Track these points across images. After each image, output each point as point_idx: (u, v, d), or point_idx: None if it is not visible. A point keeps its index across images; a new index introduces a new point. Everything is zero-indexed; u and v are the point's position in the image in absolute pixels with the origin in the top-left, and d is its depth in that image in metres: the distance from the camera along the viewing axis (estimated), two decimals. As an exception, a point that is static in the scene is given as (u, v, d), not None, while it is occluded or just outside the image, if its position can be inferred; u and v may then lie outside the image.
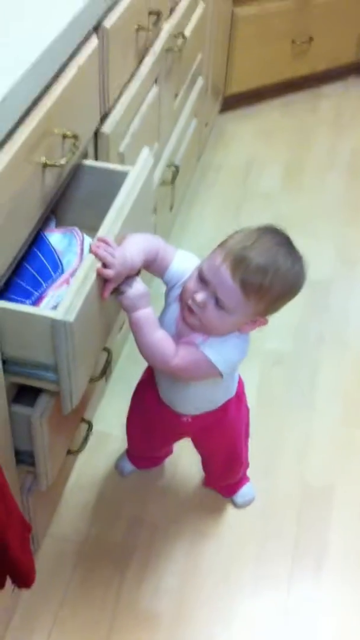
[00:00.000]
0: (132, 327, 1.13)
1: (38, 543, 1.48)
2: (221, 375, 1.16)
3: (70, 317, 0.97)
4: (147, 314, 1.12)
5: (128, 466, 1.66)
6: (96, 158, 1.37)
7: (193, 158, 2.35)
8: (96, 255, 1.04)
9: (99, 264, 1.05)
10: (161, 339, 1.13)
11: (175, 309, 1.19)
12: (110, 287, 1.07)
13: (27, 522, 1.08)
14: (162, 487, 1.66)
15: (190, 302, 1.12)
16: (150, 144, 1.67)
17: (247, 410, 1.45)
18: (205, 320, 1.12)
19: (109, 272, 1.05)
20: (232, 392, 1.33)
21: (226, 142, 2.76)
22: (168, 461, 1.68)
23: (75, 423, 1.40)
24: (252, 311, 1.11)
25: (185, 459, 1.67)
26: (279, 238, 1.12)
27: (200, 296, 1.10)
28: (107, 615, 1.43)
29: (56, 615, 1.42)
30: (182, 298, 1.15)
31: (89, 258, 1.05)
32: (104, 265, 1.05)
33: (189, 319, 1.14)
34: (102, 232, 1.09)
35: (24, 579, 1.03)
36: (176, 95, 1.91)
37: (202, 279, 1.11)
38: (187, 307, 1.13)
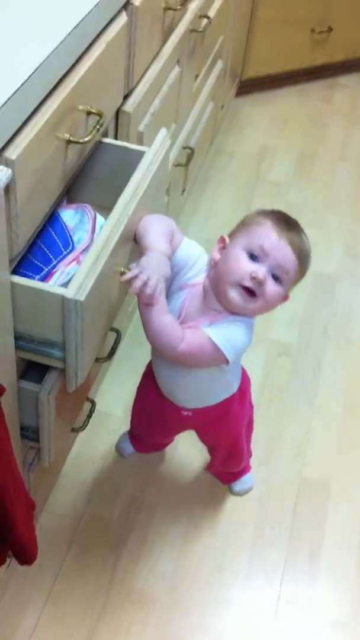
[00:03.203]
0: (141, 310, 1.11)
1: (35, 518, 1.48)
2: (227, 361, 1.15)
3: (82, 297, 0.97)
4: (158, 296, 1.10)
5: (129, 448, 1.66)
6: (116, 136, 1.36)
7: (207, 141, 2.33)
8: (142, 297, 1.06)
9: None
10: (169, 323, 1.11)
11: (180, 296, 1.18)
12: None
13: (32, 499, 1.08)
14: (161, 469, 1.66)
15: (249, 282, 1.10)
16: (168, 124, 1.65)
17: (251, 407, 1.45)
18: (264, 298, 1.12)
19: (156, 299, 1.06)
20: (234, 389, 1.32)
21: (240, 126, 2.74)
22: (168, 447, 1.68)
23: (81, 401, 1.40)
24: (292, 285, 1.17)
25: (184, 443, 1.67)
26: (289, 216, 1.19)
27: (261, 271, 1.11)
28: (100, 594, 1.44)
29: (50, 591, 1.43)
30: (233, 286, 1.12)
31: (102, 237, 1.04)
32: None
33: (247, 304, 1.13)
34: (116, 212, 1.08)
35: (26, 556, 1.03)
36: (196, 77, 1.89)
37: (257, 256, 1.12)
38: (244, 291, 1.12)
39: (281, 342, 1.98)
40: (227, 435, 1.44)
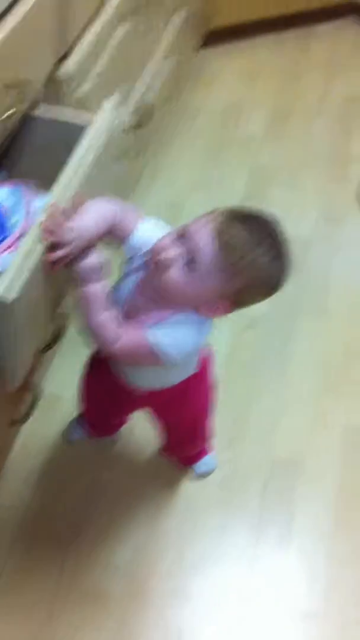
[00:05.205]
0: (80, 302, 1.03)
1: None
2: (170, 364, 1.07)
3: (9, 297, 0.88)
4: (96, 291, 1.02)
5: (77, 433, 1.57)
6: (54, 103, 1.23)
7: (170, 99, 2.19)
8: (47, 233, 0.95)
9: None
10: (105, 321, 1.04)
11: (132, 280, 1.09)
12: (62, 262, 0.97)
13: None
14: (116, 455, 1.58)
15: (158, 258, 1.02)
16: (119, 85, 1.52)
17: (213, 386, 1.36)
18: (166, 281, 1.02)
19: (60, 254, 0.96)
20: (190, 371, 1.24)
21: (207, 82, 2.59)
22: (122, 429, 1.59)
23: (18, 391, 1.30)
24: (219, 288, 1.02)
25: (141, 424, 1.57)
26: (272, 227, 1.04)
27: (171, 252, 1.01)
28: (49, 592, 1.37)
29: (-4, 589, 1.36)
30: (150, 257, 1.05)
31: (35, 228, 0.94)
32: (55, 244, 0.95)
33: (151, 281, 1.04)
34: (56, 193, 0.98)
35: None
36: (151, 30, 1.74)
37: (182, 236, 1.02)
38: (152, 266, 1.04)
39: (248, 315, 1.85)
40: (186, 416, 1.36)
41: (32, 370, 1.34)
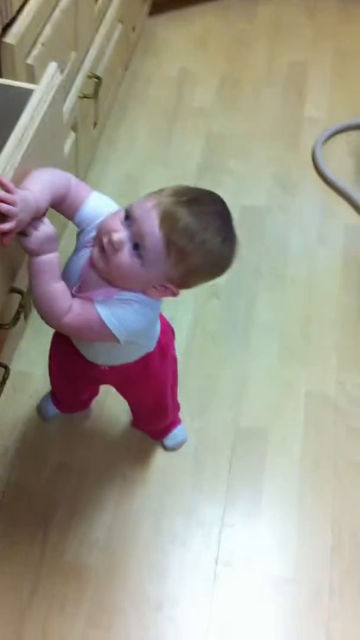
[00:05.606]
0: (30, 272, 1.00)
1: None
2: (118, 341, 1.05)
3: None
4: (49, 260, 1.00)
5: (51, 409, 1.55)
6: (2, 73, 1.19)
7: (119, 68, 2.15)
8: None
9: None
10: (57, 291, 1.01)
11: (83, 255, 1.06)
12: (12, 234, 0.92)
13: None
14: (88, 430, 1.56)
15: (105, 240, 1.00)
16: (66, 54, 1.48)
17: (174, 360, 1.35)
18: (113, 264, 1.00)
19: (7, 226, 0.91)
20: (150, 348, 1.22)
21: (156, 49, 2.54)
22: (94, 402, 1.57)
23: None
24: (166, 272, 1.01)
25: (111, 399, 1.57)
26: (218, 208, 1.02)
27: (118, 235, 0.98)
28: (30, 571, 1.35)
29: (-26, 573, 1.34)
30: (97, 236, 1.03)
31: None
32: (3, 216, 0.90)
33: (98, 262, 1.02)
34: (0, 163, 0.93)
35: None
36: (98, -3, 1.70)
37: (128, 218, 0.99)
38: (99, 246, 1.01)
39: (210, 284, 1.86)
40: (149, 391, 1.35)
41: (0, 348, 1.31)
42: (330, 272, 1.92)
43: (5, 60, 1.16)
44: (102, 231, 1.01)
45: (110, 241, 0.99)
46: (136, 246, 0.98)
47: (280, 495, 1.50)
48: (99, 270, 1.03)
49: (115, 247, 0.98)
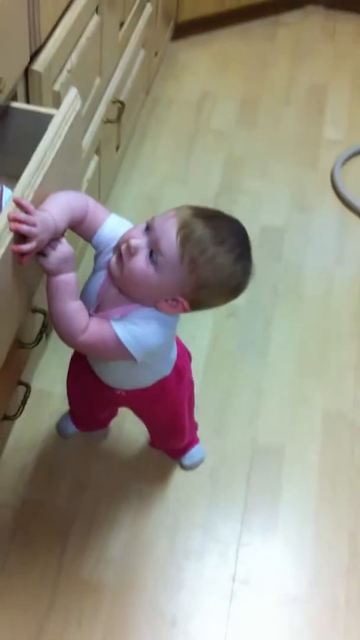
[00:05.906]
0: (48, 291, 1.03)
1: (-26, 513, 1.41)
2: (134, 359, 1.07)
3: None
4: (67, 280, 1.02)
5: (70, 427, 1.57)
6: (27, 99, 1.23)
7: (141, 92, 2.19)
8: (14, 226, 0.93)
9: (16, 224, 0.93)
10: (74, 310, 1.03)
11: (101, 277, 1.09)
12: (31, 254, 0.96)
13: None
14: (107, 448, 1.59)
15: (124, 247, 1.02)
16: (91, 80, 1.52)
17: (191, 383, 1.37)
18: (128, 269, 1.02)
19: (28, 247, 0.94)
20: (165, 372, 1.24)
21: (178, 73, 2.59)
22: (113, 422, 1.60)
23: (10, 388, 1.30)
24: (179, 282, 1.02)
25: (130, 421, 1.59)
26: (235, 227, 1.05)
27: (135, 241, 1.01)
28: (47, 586, 1.37)
29: (-6, 587, 1.36)
30: (117, 245, 1.06)
31: (1, 219, 0.93)
32: (23, 237, 0.93)
33: (114, 268, 1.04)
34: (21, 186, 0.96)
35: None
36: (122, 24, 1.74)
37: (147, 227, 1.03)
38: (117, 253, 1.04)
39: (229, 304, 1.88)
40: (165, 414, 1.36)
41: (20, 364, 1.34)
42: (347, 291, 1.94)
43: (33, 87, 1.20)
44: (122, 240, 1.04)
45: (128, 246, 1.01)
46: (152, 254, 1.01)
47: (297, 512, 1.51)
48: (114, 277, 1.05)
49: (132, 252, 1.01)
